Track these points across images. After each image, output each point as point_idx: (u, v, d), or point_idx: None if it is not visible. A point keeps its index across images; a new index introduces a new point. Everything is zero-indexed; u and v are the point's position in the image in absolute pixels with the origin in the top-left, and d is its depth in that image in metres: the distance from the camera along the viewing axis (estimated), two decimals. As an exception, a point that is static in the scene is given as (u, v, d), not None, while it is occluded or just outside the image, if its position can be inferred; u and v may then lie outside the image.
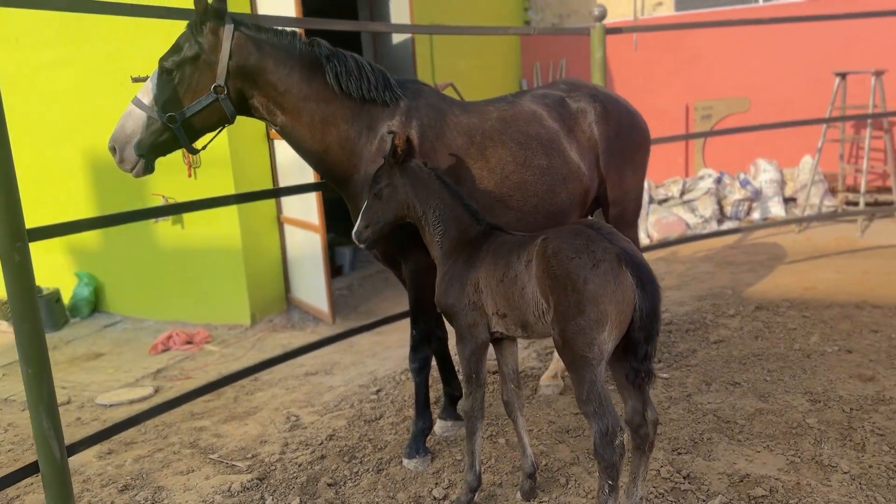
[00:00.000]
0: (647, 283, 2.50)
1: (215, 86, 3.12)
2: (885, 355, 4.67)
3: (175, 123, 3.09)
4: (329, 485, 3.51)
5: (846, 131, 9.05)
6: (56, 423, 2.68)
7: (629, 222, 4.27)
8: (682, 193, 9.52)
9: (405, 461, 3.63)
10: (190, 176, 6.26)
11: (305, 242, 6.51)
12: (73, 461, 4.03)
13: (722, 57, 10.57)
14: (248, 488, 3.56)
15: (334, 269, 8.31)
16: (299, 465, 3.74)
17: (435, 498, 3.34)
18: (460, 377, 3.80)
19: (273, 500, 3.43)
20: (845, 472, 3.32)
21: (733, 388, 4.33)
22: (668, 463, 3.49)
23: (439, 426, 3.99)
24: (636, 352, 2.57)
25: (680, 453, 3.59)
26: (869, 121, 8.24)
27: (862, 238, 8.13)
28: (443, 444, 3.86)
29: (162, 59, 3.10)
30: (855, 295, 6.04)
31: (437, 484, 3.46)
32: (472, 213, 3.07)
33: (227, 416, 4.54)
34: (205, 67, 3.11)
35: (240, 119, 3.32)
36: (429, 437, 3.78)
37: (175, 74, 3.08)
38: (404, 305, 6.73)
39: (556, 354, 4.60)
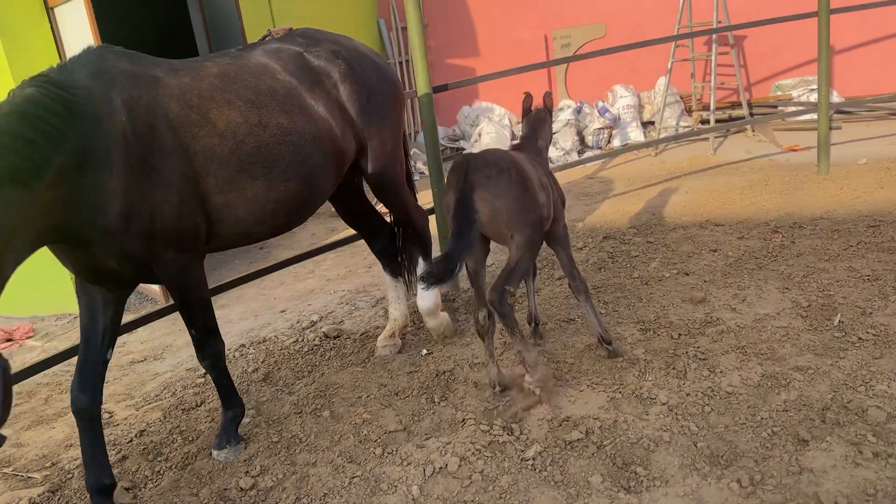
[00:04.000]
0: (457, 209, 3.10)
1: None
2: (720, 274, 4.70)
3: None
4: (126, 489, 3.20)
5: (696, 49, 9.10)
6: None
7: (397, 186, 3.97)
8: (544, 126, 9.41)
9: (214, 453, 3.34)
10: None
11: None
12: None
13: (575, -17, 10.41)
14: (37, 503, 3.21)
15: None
16: (99, 471, 3.40)
17: (241, 489, 3.08)
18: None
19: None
20: (663, 404, 3.26)
21: (567, 325, 4.24)
22: (490, 416, 3.35)
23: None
24: None
25: (501, 403, 3.45)
26: (714, 36, 8.29)
27: (713, 156, 8.26)
28: (261, 426, 3.59)
29: None
30: (700, 215, 6.10)
31: (246, 472, 3.20)
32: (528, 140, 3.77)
33: (33, 421, 4.13)
34: None
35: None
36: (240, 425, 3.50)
37: None
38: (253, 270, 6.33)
39: (391, 313, 4.38)
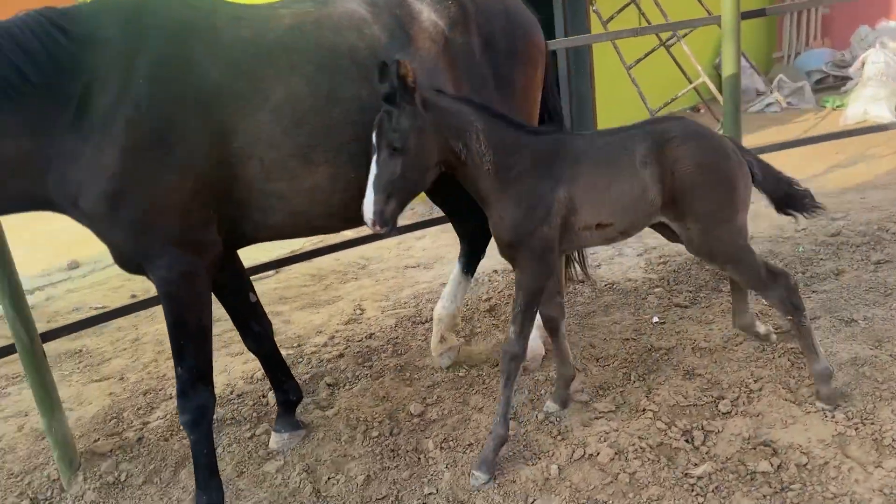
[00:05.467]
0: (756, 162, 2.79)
1: None
2: None
3: None
4: (328, 385, 3.56)
5: None
6: (21, 312, 3.03)
7: None
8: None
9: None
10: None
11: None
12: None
13: None
14: (263, 378, 3.76)
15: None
16: (320, 361, 3.83)
17: (410, 413, 3.20)
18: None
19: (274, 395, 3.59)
20: (909, 461, 2.46)
21: (844, 326, 3.39)
22: (677, 414, 2.91)
23: (275, 439, 3.12)
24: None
25: (702, 402, 2.96)
26: None
27: None
28: (461, 356, 3.64)
29: None
30: None
31: (423, 399, 3.31)
32: (519, 127, 2.63)
33: (307, 303, 4.78)
34: None
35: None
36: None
37: None
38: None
39: (436, 310, 3.57)
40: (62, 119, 2.20)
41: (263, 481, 2.92)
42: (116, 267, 2.56)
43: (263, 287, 5.13)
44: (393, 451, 2.97)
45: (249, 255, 3.10)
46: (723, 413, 2.88)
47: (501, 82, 2.94)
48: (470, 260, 3.54)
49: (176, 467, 3.11)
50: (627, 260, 4.71)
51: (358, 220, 2.60)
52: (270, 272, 5.28)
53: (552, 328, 3.00)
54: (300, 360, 3.90)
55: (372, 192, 2.33)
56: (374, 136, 2.37)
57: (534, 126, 2.64)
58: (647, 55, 7.54)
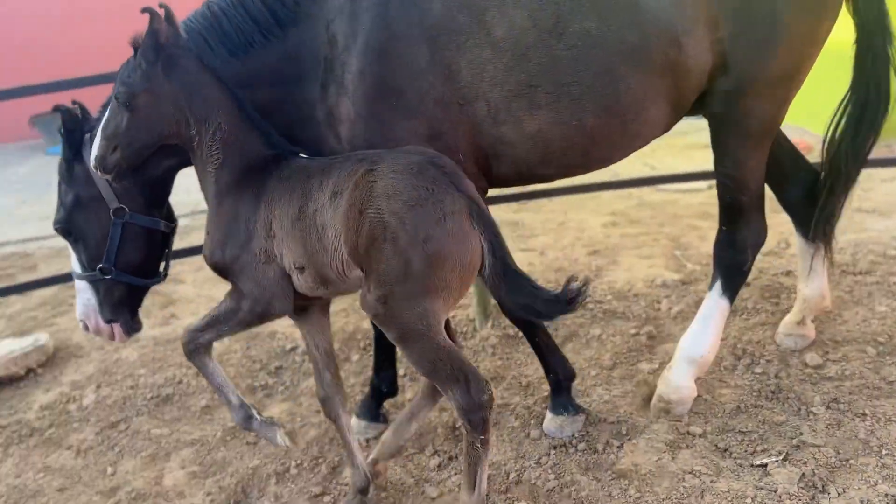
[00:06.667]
0: (496, 243, 2.02)
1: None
2: None
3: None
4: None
5: None
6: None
7: (765, 135, 2.55)
8: None
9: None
10: None
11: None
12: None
13: None
14: (661, 284, 3.80)
15: None
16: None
17: (805, 363, 2.96)
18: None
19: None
20: None
21: None
22: None
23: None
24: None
25: None
26: None
27: None
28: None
29: None
30: None
31: (825, 353, 3.02)
32: (265, 134, 2.28)
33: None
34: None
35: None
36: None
37: None
38: None
39: (800, 291, 3.09)
40: (308, 65, 2.33)
41: (634, 377, 3.05)
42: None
43: (691, 200, 5.07)
44: (773, 392, 2.81)
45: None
46: None
47: (774, 32, 2.33)
48: (808, 227, 2.95)
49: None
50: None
51: (578, 170, 2.52)
52: (703, 185, 5.16)
53: (328, 414, 2.48)
54: (701, 278, 3.83)
55: (99, 134, 2.23)
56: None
57: (277, 140, 2.27)
58: None
